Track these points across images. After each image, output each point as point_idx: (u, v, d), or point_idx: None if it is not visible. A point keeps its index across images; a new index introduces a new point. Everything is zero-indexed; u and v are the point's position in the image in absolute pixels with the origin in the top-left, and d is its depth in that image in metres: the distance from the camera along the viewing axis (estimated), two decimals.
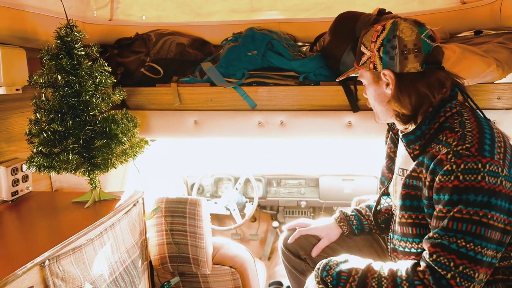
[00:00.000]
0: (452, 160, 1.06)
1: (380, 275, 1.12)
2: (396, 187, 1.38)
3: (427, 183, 1.14)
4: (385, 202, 1.54)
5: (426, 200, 1.16)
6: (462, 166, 1.04)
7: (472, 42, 1.66)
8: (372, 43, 1.23)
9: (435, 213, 1.11)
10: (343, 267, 1.19)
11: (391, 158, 1.48)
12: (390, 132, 1.49)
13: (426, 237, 1.11)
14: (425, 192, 1.16)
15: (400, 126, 1.31)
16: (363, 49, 1.27)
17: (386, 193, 1.50)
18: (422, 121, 1.20)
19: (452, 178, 1.05)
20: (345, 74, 1.43)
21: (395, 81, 1.21)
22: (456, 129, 1.13)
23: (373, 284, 1.11)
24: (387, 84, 1.24)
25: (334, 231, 1.59)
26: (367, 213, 1.60)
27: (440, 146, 1.13)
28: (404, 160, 1.34)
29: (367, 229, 1.60)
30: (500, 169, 1.04)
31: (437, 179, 1.09)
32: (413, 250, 1.26)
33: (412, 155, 1.23)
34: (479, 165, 1.03)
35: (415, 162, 1.22)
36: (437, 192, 1.10)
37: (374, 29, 1.25)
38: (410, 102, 1.21)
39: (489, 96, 1.58)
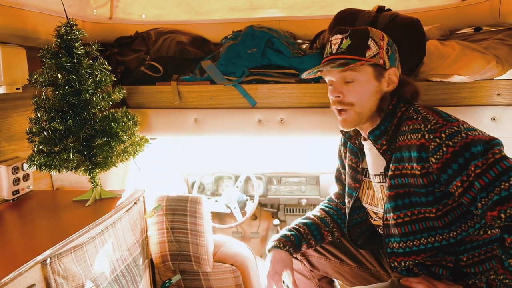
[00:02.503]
0: (432, 137, 1.13)
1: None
2: (380, 194, 1.38)
3: (417, 172, 1.17)
4: (357, 216, 1.53)
5: (423, 188, 1.18)
6: (443, 135, 1.12)
7: (472, 39, 1.66)
8: (380, 40, 1.26)
9: (459, 190, 1.11)
10: None
11: (354, 168, 1.48)
12: (348, 145, 1.52)
13: (479, 212, 1.08)
14: (420, 181, 1.18)
15: (363, 129, 1.35)
16: (371, 43, 1.24)
17: (356, 206, 1.50)
18: (385, 118, 1.28)
19: (445, 149, 1.11)
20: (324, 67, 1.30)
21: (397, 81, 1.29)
22: (415, 116, 1.22)
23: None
24: (389, 83, 1.28)
25: (287, 259, 1.48)
26: (306, 232, 1.54)
27: (408, 135, 1.20)
28: (376, 166, 1.36)
29: (303, 249, 1.55)
30: (469, 124, 1.16)
31: (432, 161, 1.13)
32: (414, 248, 1.25)
33: (381, 151, 1.28)
34: (455, 128, 1.12)
35: (393, 160, 1.24)
36: (443, 171, 1.12)
37: (375, 29, 1.29)
38: (391, 102, 1.29)
39: (489, 92, 1.58)
